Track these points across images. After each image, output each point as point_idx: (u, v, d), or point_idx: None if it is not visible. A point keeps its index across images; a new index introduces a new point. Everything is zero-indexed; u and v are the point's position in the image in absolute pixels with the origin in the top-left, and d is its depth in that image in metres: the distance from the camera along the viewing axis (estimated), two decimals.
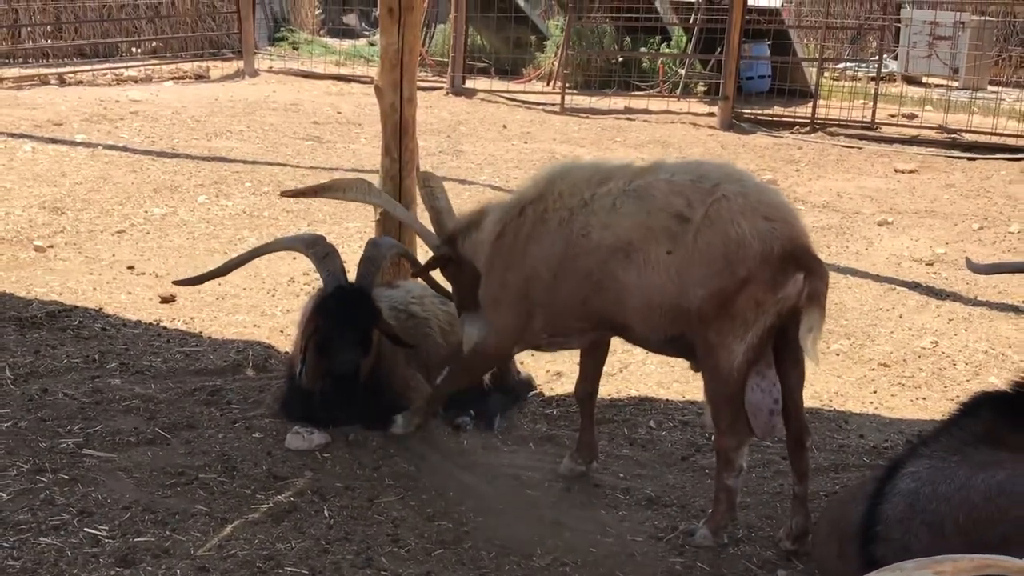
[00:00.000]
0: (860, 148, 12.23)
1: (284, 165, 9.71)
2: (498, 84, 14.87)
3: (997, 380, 5.26)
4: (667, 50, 15.71)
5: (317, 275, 4.59)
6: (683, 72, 15.15)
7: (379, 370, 4.50)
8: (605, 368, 4.39)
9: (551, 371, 5.38)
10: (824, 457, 4.53)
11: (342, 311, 4.24)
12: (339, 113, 12.64)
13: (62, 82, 13.44)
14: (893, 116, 13.52)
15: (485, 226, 3.99)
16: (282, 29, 18.42)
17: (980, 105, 14.12)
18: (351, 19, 20.88)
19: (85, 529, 3.53)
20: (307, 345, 4.30)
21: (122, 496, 3.77)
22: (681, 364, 4.59)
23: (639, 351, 5.22)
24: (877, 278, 7.20)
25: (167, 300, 6.09)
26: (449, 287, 4.37)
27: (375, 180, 5.23)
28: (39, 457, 4.01)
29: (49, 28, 15.14)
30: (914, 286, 7.08)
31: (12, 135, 10.01)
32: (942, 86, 15.96)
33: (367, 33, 19.93)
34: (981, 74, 16.42)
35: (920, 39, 16.55)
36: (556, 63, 15.12)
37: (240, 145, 10.52)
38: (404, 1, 5.23)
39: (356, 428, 4.43)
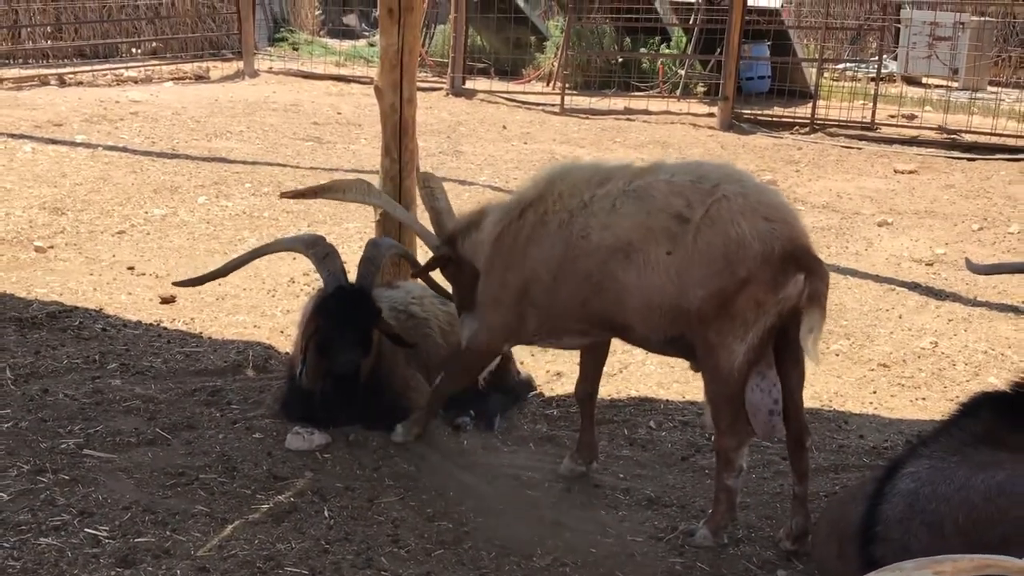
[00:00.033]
0: (860, 149, 12.23)
1: (284, 166, 9.72)
2: (498, 85, 14.88)
3: (997, 380, 5.27)
4: (667, 51, 15.72)
5: (317, 275, 4.60)
6: (683, 73, 15.15)
7: (379, 370, 4.50)
8: (605, 368, 4.40)
9: (551, 371, 5.39)
10: (824, 457, 4.53)
11: (342, 311, 4.24)
12: (339, 114, 12.65)
13: (62, 83, 13.45)
14: (893, 117, 13.52)
15: (485, 226, 4.00)
16: (282, 30, 18.43)
17: (980, 106, 14.13)
18: (351, 20, 20.88)
19: (85, 529, 3.53)
20: (307, 345, 4.30)
21: (122, 496, 3.77)
22: (681, 364, 4.60)
23: (639, 351, 5.22)
24: (877, 278, 7.21)
25: (167, 301, 6.09)
26: (449, 287, 4.37)
27: (375, 181, 5.24)
28: (39, 458, 4.01)
29: (49, 29, 15.14)
30: (914, 286, 7.08)
31: (12, 136, 10.01)
32: (942, 87, 15.97)
33: (367, 34, 19.93)
34: (981, 75, 16.43)
35: (920, 40, 16.55)
36: (556, 64, 15.13)
37: (240, 146, 10.52)
38: (404, 2, 5.23)
39: (356, 428, 4.43)
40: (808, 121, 13.13)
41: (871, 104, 13.19)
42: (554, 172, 3.90)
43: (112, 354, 5.19)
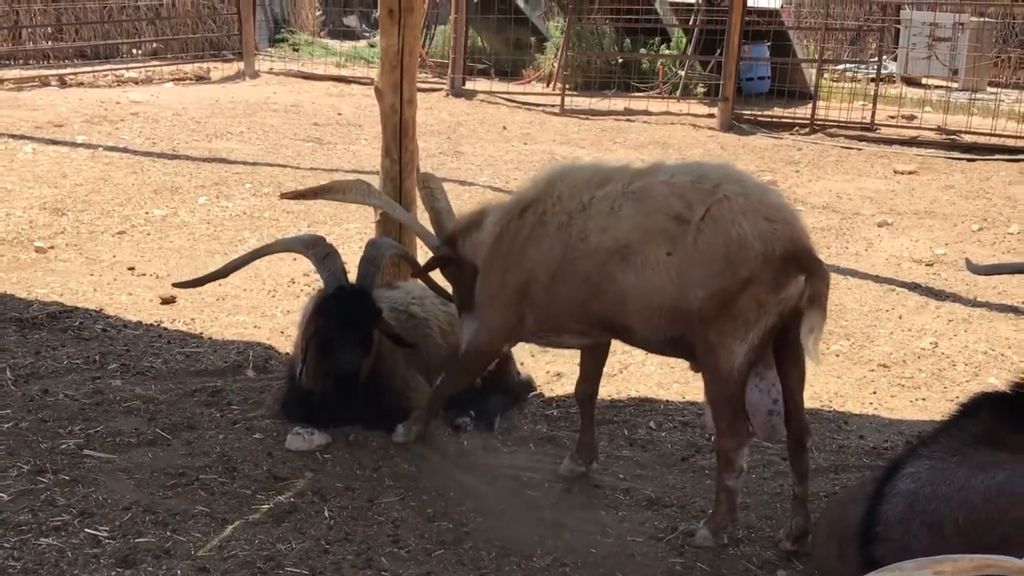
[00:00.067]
0: (860, 149, 12.24)
1: (284, 166, 9.72)
2: (498, 85, 14.88)
3: (997, 381, 5.27)
4: (667, 51, 15.72)
5: (317, 276, 4.60)
6: (683, 73, 15.15)
7: (379, 371, 4.50)
8: (605, 369, 4.40)
9: (551, 372, 5.39)
10: (824, 458, 4.53)
11: (343, 312, 4.24)
12: (339, 114, 12.65)
13: (63, 83, 13.45)
14: (892, 117, 13.52)
15: (485, 227, 4.00)
16: (282, 30, 18.43)
17: (979, 106, 14.13)
18: (351, 21, 20.88)
19: (86, 530, 3.53)
20: (308, 346, 4.30)
21: (123, 497, 3.77)
22: (681, 365, 4.60)
23: (639, 352, 5.22)
24: (877, 279, 7.21)
25: (168, 301, 6.09)
26: (449, 288, 4.38)
27: (375, 181, 5.24)
28: (40, 458, 4.01)
29: (50, 30, 15.13)
30: (914, 287, 7.08)
31: (13, 136, 10.01)
32: (941, 87, 15.97)
33: (367, 34, 19.94)
34: (980, 75, 16.43)
35: (919, 40, 16.56)
36: (556, 64, 15.13)
37: (240, 146, 10.53)
38: (404, 2, 5.23)
39: (356, 429, 4.43)
40: (808, 122, 13.14)
41: (871, 105, 13.20)
42: (554, 173, 3.91)
43: (112, 354, 5.20)
